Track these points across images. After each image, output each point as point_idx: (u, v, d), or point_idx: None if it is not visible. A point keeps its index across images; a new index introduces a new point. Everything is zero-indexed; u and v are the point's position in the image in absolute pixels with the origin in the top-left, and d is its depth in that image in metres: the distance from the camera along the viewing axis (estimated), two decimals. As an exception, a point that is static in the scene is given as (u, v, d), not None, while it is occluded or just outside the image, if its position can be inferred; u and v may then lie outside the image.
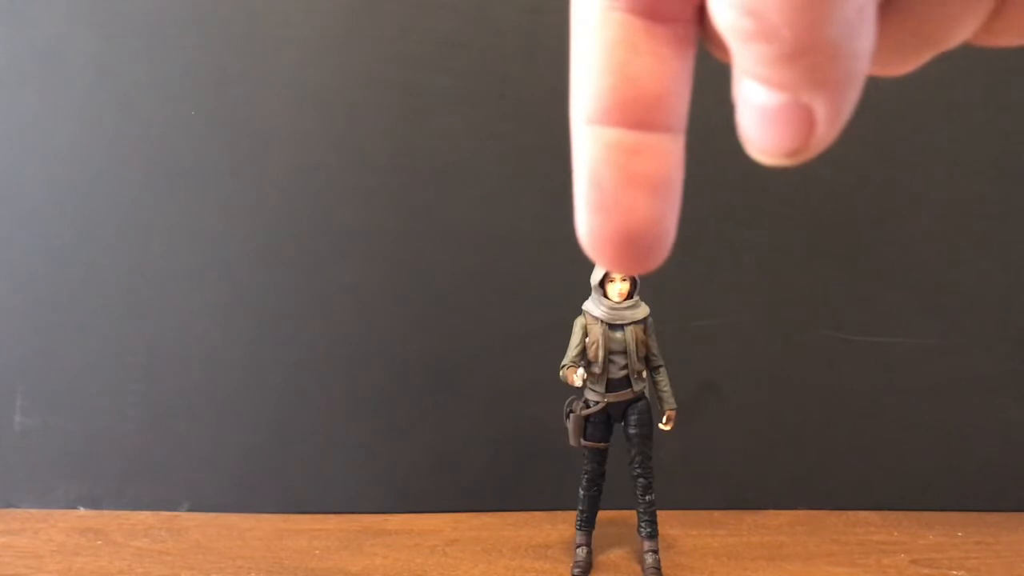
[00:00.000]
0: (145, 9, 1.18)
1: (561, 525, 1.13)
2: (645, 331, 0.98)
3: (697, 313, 1.20)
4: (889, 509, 1.20)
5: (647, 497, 1.00)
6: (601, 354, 0.96)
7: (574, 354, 0.97)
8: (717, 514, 1.19)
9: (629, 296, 0.96)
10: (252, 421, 1.21)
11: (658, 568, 0.98)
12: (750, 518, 1.18)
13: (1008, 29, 0.20)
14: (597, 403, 0.98)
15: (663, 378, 1.00)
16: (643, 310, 0.98)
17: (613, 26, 0.21)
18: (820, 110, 0.20)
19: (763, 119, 0.20)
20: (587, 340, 0.97)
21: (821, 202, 1.20)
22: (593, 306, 0.97)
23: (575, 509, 1.03)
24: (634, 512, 1.01)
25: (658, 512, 1.00)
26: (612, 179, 0.21)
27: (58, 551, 1.06)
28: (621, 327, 0.96)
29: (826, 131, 0.20)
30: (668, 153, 0.22)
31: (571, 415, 0.99)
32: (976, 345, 1.21)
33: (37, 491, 1.21)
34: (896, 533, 1.13)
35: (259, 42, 1.18)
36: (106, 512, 1.19)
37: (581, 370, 0.94)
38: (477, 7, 1.18)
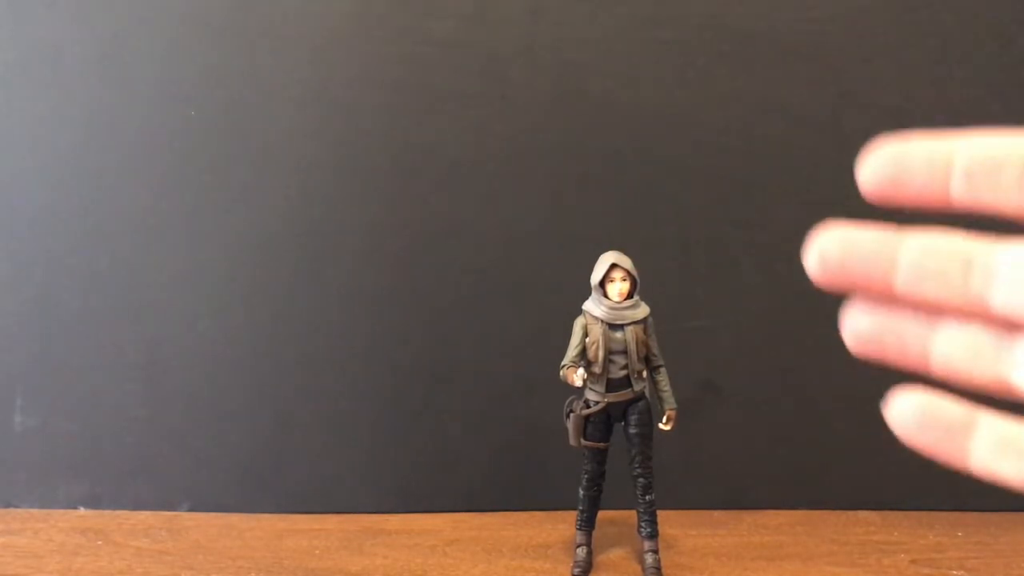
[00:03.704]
0: (146, 9, 1.18)
1: (561, 525, 1.13)
2: (645, 331, 0.98)
3: (697, 313, 1.20)
4: (889, 509, 1.20)
5: (647, 497, 1.00)
6: (601, 354, 0.96)
7: (574, 354, 0.97)
8: (717, 514, 1.19)
9: (629, 296, 0.96)
10: (252, 421, 1.21)
11: (658, 568, 0.98)
12: (750, 518, 1.18)
13: None
14: (597, 403, 0.98)
15: (663, 378, 1.00)
16: (643, 310, 0.98)
17: None
18: None
19: None
20: (587, 340, 0.97)
21: (821, 202, 1.20)
22: (593, 306, 0.97)
23: (575, 509, 1.03)
24: (634, 512, 1.01)
25: (658, 512, 1.00)
26: None
27: (58, 551, 1.06)
28: (621, 327, 0.96)
29: None
30: None
31: (571, 415, 0.99)
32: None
33: (37, 491, 1.21)
34: (896, 533, 1.13)
35: (259, 42, 1.18)
36: (106, 512, 1.19)
37: (581, 370, 0.94)
38: (477, 7, 1.18)
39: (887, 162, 0.24)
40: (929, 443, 0.24)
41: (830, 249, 0.25)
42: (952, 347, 0.24)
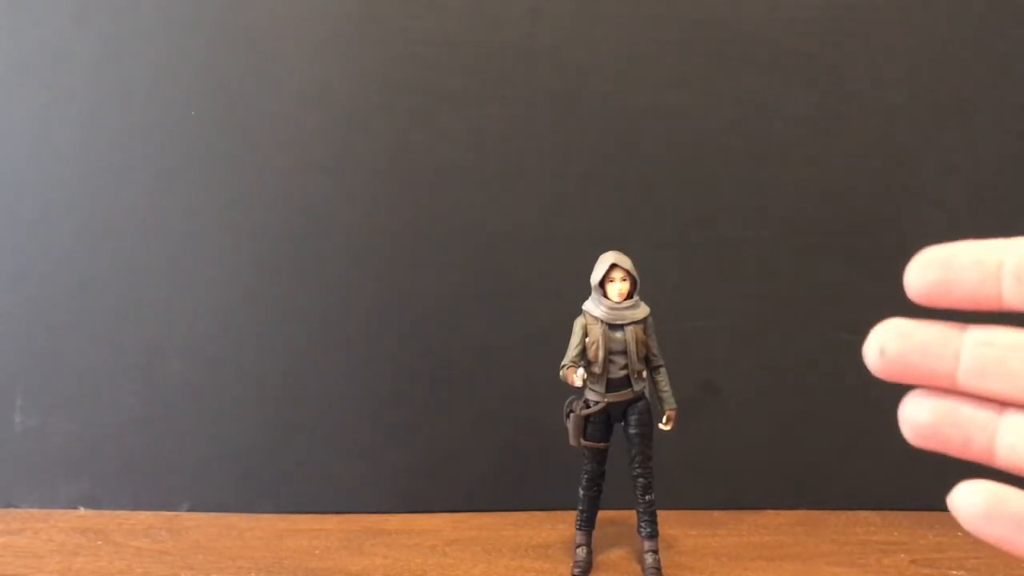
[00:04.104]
0: (146, 9, 1.18)
1: (561, 525, 1.13)
2: (645, 331, 0.98)
3: (697, 313, 1.20)
4: (889, 509, 1.20)
5: (647, 497, 1.00)
6: (601, 354, 0.96)
7: (574, 354, 0.97)
8: (717, 514, 1.19)
9: (629, 296, 0.96)
10: (252, 421, 1.21)
11: (658, 568, 0.98)
12: (750, 518, 1.18)
13: None
14: (597, 403, 0.98)
15: (663, 378, 1.00)
16: (643, 310, 0.98)
17: None
18: None
19: None
20: (587, 340, 0.97)
21: (821, 202, 1.20)
22: (593, 306, 0.97)
23: (575, 509, 1.03)
24: (634, 512, 1.01)
25: (658, 512, 1.00)
26: None
27: (58, 551, 1.06)
28: (621, 327, 0.96)
29: None
30: None
31: (571, 415, 0.99)
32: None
33: (37, 491, 1.21)
34: (896, 533, 1.13)
35: (259, 42, 1.18)
36: (106, 512, 1.19)
37: (581, 370, 0.94)
38: (477, 7, 1.18)
39: (934, 266, 0.25)
40: (998, 535, 0.24)
41: (890, 343, 0.26)
42: (1019, 438, 0.24)
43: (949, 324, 0.25)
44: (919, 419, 0.26)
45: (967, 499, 0.25)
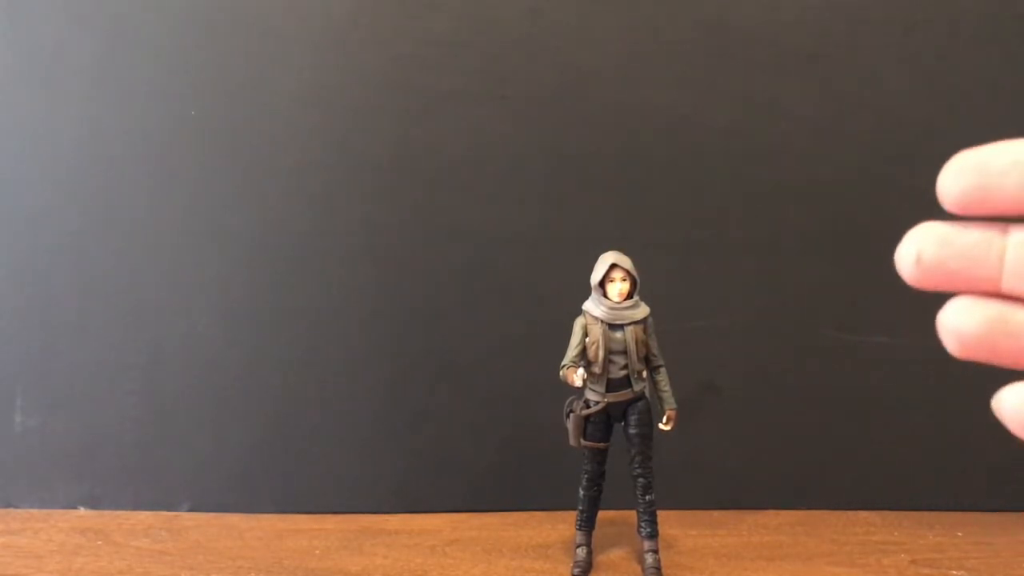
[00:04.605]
0: (146, 10, 1.18)
1: (561, 525, 1.13)
2: (645, 331, 0.98)
3: (697, 313, 1.20)
4: (889, 509, 1.20)
5: (647, 497, 1.00)
6: (601, 354, 0.96)
7: (574, 354, 0.97)
8: (717, 514, 1.19)
9: (629, 296, 0.96)
10: (252, 421, 1.21)
11: (658, 568, 0.98)
12: (750, 518, 1.18)
13: None
14: (597, 403, 0.98)
15: (663, 378, 1.00)
16: (643, 310, 0.98)
17: None
18: None
19: None
20: (587, 340, 0.97)
21: (821, 202, 1.20)
22: (593, 306, 0.97)
23: (575, 509, 1.03)
24: (634, 512, 1.01)
25: (658, 512, 1.00)
26: None
27: (58, 551, 1.06)
28: (621, 327, 0.96)
29: None
30: None
31: (571, 415, 0.99)
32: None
33: (37, 491, 1.21)
34: (896, 533, 1.13)
35: (259, 42, 1.18)
36: (106, 512, 1.19)
37: (581, 370, 0.94)
38: (477, 7, 1.18)
39: (969, 171, 0.23)
40: None
41: (928, 249, 0.24)
42: None
43: (989, 226, 0.23)
44: (967, 327, 0.23)
45: (1016, 403, 0.23)
